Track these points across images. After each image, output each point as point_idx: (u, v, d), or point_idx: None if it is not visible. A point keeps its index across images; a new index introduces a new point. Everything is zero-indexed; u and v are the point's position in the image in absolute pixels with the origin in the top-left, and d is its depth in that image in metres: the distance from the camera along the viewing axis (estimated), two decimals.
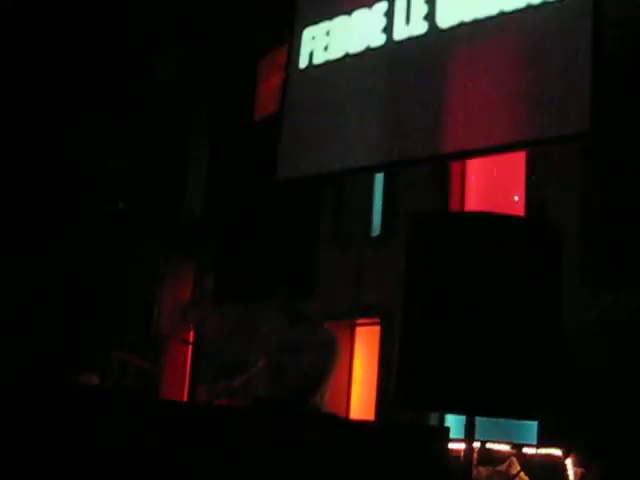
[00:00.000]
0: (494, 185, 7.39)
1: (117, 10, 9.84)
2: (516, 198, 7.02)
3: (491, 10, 6.40)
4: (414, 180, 7.64)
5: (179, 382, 10.67)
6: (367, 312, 7.84)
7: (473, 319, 3.43)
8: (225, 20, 10.16)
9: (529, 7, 6.25)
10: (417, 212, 4.37)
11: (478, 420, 3.71)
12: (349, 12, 7.42)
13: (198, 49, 10.70)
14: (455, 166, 7.49)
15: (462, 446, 3.71)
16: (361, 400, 7.79)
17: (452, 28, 6.80)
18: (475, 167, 7.54)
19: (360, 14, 7.30)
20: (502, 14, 6.37)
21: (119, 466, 2.98)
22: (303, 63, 7.85)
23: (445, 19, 6.81)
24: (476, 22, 6.56)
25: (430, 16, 6.89)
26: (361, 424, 5.01)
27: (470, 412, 3.57)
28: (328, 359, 5.18)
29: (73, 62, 10.12)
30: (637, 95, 6.21)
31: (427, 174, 7.56)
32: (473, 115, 6.37)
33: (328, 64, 7.66)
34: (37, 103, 10.07)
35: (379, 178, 8.30)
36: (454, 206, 7.34)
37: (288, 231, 9.26)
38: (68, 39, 9.90)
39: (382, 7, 7.11)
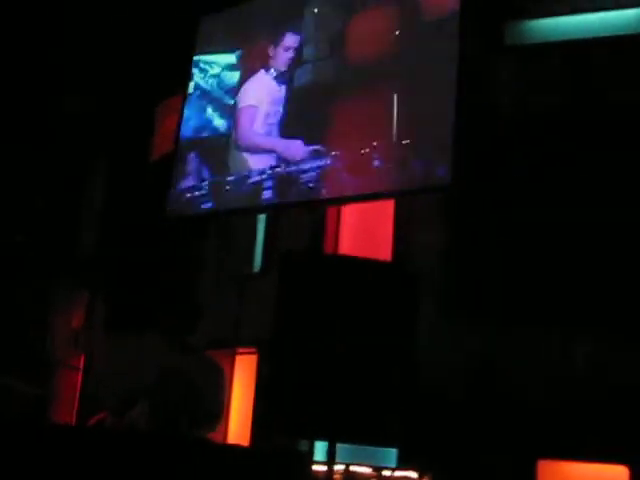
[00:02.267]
0: (366, 229, 7.49)
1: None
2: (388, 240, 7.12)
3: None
4: (294, 221, 7.69)
5: (69, 408, 10.30)
6: (245, 342, 7.79)
7: (336, 353, 3.47)
8: (124, 69, 10.05)
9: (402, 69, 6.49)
10: (289, 251, 4.39)
11: (345, 445, 3.73)
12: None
13: (100, 93, 10.52)
14: (331, 210, 7.58)
15: (324, 468, 3.74)
16: (238, 426, 7.70)
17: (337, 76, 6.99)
18: (350, 211, 7.65)
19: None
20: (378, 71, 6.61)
21: None
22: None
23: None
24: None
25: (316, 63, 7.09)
26: (233, 448, 4.95)
27: (330, 439, 3.60)
28: (222, 387, 5.12)
29: None
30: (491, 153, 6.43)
31: (306, 216, 7.63)
32: (348, 165, 6.50)
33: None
34: None
35: (262, 218, 8.31)
36: (329, 247, 7.40)
37: (175, 265, 9.16)
38: None
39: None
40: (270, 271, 7.77)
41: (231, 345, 7.94)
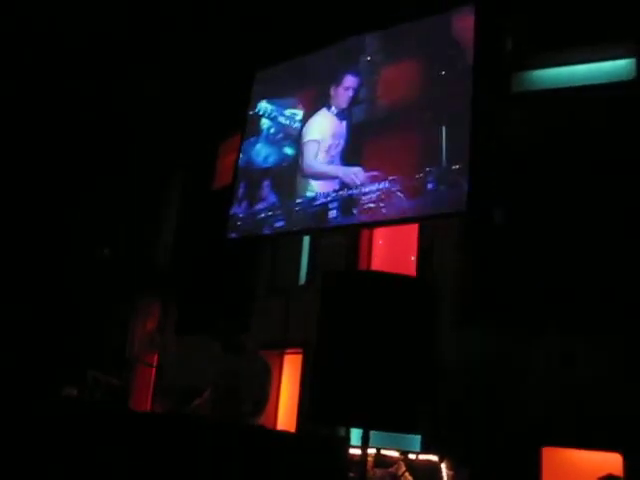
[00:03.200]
0: (395, 248, 7.50)
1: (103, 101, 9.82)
2: (412, 258, 7.12)
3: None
4: (334, 241, 7.72)
5: (145, 397, 10.43)
6: (292, 343, 7.82)
7: (370, 354, 3.50)
8: (194, 114, 10.24)
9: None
10: (330, 270, 4.46)
11: (376, 432, 3.75)
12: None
13: (174, 133, 10.74)
14: (364, 232, 7.60)
15: (359, 452, 3.75)
16: (286, 415, 7.72)
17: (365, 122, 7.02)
18: (381, 234, 7.67)
19: None
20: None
21: (93, 461, 2.93)
22: None
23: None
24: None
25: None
26: (282, 434, 5.00)
27: (365, 426, 3.61)
28: (268, 382, 5.18)
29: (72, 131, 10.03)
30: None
31: (343, 238, 7.67)
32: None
33: None
34: (40, 161, 9.91)
35: (306, 238, 8.36)
36: (363, 264, 7.42)
37: (233, 279, 9.26)
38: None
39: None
40: (313, 283, 7.82)
41: (280, 346, 7.98)
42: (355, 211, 6.80)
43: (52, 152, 9.99)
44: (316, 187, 7.37)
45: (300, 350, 7.73)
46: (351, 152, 7.17)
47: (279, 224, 7.64)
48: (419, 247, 6.98)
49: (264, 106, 8.51)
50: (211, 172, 10.51)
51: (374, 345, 3.56)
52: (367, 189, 6.75)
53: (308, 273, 8.19)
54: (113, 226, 10.94)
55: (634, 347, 5.42)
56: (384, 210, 6.56)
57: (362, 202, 6.75)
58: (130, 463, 3.07)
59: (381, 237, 7.63)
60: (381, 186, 6.64)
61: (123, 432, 3.16)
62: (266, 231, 7.80)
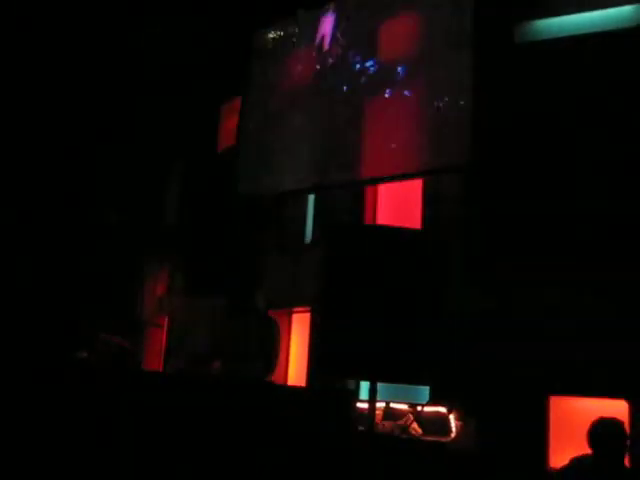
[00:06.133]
0: (399, 203, 7.42)
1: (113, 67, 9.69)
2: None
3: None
4: (339, 199, 7.64)
5: (157, 358, 10.50)
6: (300, 302, 7.80)
7: (377, 307, 3.45)
8: (195, 79, 10.11)
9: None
10: (335, 224, 4.37)
11: (385, 385, 3.72)
12: None
13: (175, 99, 10.60)
14: (369, 188, 7.51)
15: (368, 406, 3.73)
16: (297, 371, 7.74)
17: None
18: (385, 189, 7.58)
19: None
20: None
21: (105, 421, 2.93)
22: None
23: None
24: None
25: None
26: (293, 388, 5.01)
27: (372, 380, 3.58)
28: (277, 339, 5.16)
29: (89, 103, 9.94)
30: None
31: (348, 195, 7.58)
32: (382, 152, 6.42)
33: None
34: (52, 132, 9.82)
35: (311, 198, 8.28)
36: (368, 219, 7.36)
37: (239, 240, 9.20)
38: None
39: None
40: (319, 243, 7.76)
41: (288, 305, 7.97)
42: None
43: (60, 121, 9.89)
44: None
45: (308, 309, 7.71)
46: None
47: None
48: (423, 203, 6.89)
49: None
50: (214, 135, 10.39)
51: (381, 298, 3.51)
52: None
53: (314, 231, 8.14)
54: (120, 192, 10.88)
55: None
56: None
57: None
58: (142, 423, 3.06)
59: (386, 192, 7.55)
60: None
61: (134, 392, 3.14)
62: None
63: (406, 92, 6.51)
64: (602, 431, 3.35)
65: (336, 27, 7.39)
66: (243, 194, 8.09)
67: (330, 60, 7.39)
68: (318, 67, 7.52)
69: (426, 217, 6.72)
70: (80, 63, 9.47)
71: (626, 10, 6.16)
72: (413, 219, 6.85)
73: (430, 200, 6.76)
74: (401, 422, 5.36)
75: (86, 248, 10.09)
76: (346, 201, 7.55)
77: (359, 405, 4.61)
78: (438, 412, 5.42)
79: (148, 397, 3.13)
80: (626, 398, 5.28)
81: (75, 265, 9.92)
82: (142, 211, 11.09)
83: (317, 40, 7.62)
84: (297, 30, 8.02)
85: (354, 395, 4.00)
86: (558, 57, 6.36)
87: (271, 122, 8.04)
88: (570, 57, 6.28)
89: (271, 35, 8.39)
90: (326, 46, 7.44)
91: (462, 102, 5.77)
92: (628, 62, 5.95)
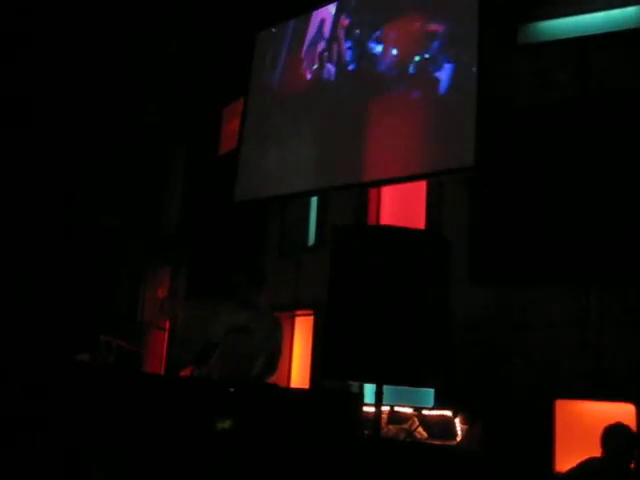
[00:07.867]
0: (403, 204, 7.37)
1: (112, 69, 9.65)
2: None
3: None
4: (342, 200, 7.59)
5: (158, 361, 10.45)
6: (303, 305, 7.73)
7: (381, 309, 3.38)
8: (197, 80, 10.08)
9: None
10: (339, 225, 4.30)
11: (390, 388, 3.65)
12: None
13: (177, 101, 10.58)
14: (373, 190, 7.45)
15: (373, 409, 3.66)
16: (299, 374, 7.69)
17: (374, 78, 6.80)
18: (388, 191, 7.52)
19: None
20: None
21: (107, 423, 2.87)
22: None
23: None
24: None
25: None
26: (297, 391, 4.94)
27: (378, 381, 3.51)
28: (279, 337, 5.07)
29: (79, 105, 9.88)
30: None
31: (351, 196, 7.53)
32: (386, 153, 6.33)
33: None
34: (47, 134, 9.76)
35: (314, 199, 8.22)
36: (371, 221, 7.30)
37: (242, 241, 9.14)
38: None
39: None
40: (323, 244, 7.70)
41: (291, 308, 7.90)
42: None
43: (60, 124, 9.85)
44: None
45: (311, 312, 7.65)
46: None
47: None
48: (427, 204, 6.84)
49: None
50: (216, 138, 10.35)
51: (386, 299, 3.43)
52: None
53: (317, 233, 8.08)
54: (122, 194, 10.85)
55: None
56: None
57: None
58: (143, 426, 2.99)
59: (390, 194, 7.50)
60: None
61: (136, 394, 3.07)
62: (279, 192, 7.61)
63: (411, 92, 6.44)
64: (615, 433, 3.32)
65: (339, 27, 7.33)
66: (239, 201, 7.98)
67: (333, 60, 7.33)
68: (319, 67, 7.46)
69: (430, 218, 6.67)
70: (82, 67, 9.44)
71: (630, 11, 6.12)
72: (417, 220, 6.80)
73: (434, 201, 6.71)
74: (406, 426, 5.29)
75: (88, 251, 10.05)
76: (349, 202, 7.49)
77: (364, 409, 4.53)
78: (443, 416, 5.35)
79: (150, 399, 3.06)
80: (634, 402, 5.21)
81: (77, 268, 9.88)
82: (144, 214, 11.07)
83: (319, 41, 7.57)
84: (297, 30, 7.97)
85: (360, 398, 3.91)
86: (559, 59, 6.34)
87: (271, 123, 7.98)
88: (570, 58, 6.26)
89: (272, 36, 8.34)
90: (329, 47, 7.39)
91: (468, 103, 5.70)
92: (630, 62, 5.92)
